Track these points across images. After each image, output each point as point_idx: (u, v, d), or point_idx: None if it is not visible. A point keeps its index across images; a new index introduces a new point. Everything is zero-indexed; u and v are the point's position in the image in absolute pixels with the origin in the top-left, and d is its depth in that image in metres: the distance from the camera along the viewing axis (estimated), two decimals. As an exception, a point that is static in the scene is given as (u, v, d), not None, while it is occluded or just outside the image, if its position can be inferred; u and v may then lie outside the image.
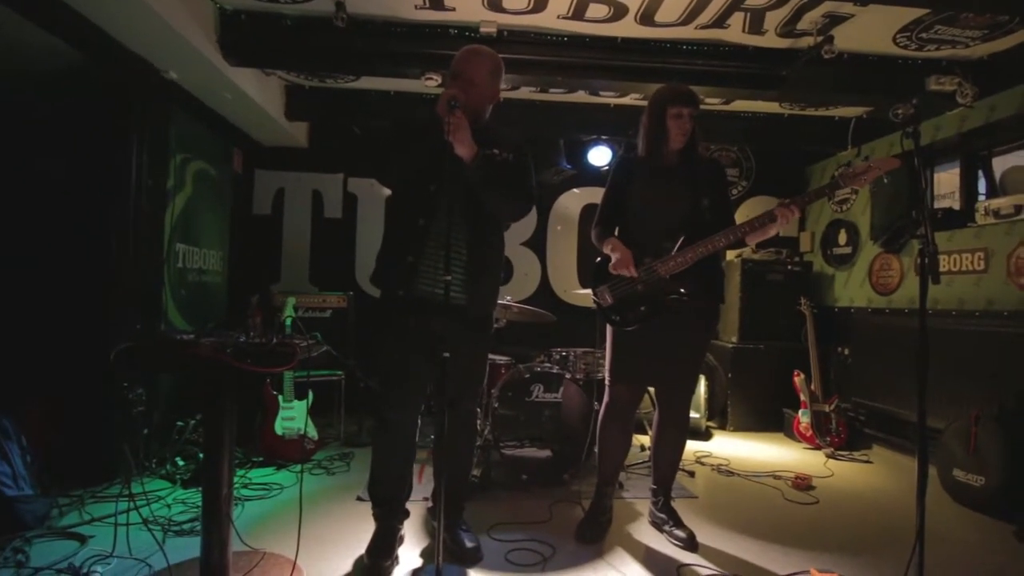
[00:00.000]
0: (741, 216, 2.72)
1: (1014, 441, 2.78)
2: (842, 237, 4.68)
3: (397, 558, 2.13)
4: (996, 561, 2.35)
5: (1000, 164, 3.81)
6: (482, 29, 3.17)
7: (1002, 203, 3.37)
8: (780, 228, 2.19)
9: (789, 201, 2.17)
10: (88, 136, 2.93)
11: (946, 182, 4.22)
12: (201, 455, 2.91)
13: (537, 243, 4.99)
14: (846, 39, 3.16)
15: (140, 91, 3.05)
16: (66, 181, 2.89)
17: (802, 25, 3.08)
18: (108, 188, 2.93)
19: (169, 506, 2.57)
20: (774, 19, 3.03)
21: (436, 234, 2.01)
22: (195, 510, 2.49)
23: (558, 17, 3.11)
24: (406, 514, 2.23)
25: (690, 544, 2.34)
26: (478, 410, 2.51)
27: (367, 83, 4.11)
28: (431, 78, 3.41)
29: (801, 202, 2.19)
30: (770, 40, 3.26)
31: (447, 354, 1.73)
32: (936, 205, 4.15)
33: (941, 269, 3.63)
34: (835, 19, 3.00)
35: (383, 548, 2.09)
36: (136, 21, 2.59)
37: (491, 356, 3.28)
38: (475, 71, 2.09)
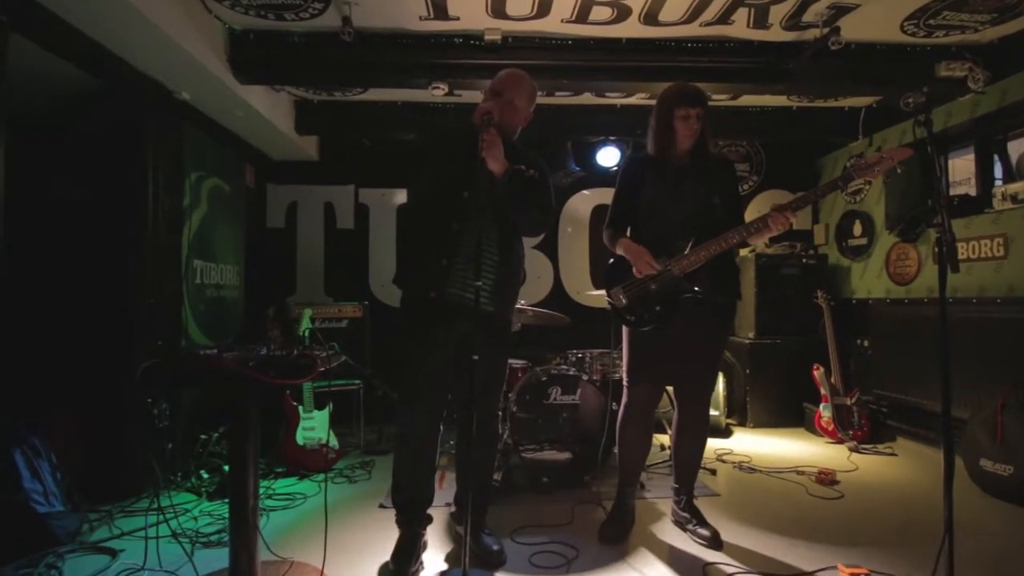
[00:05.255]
0: (753, 211, 2.71)
1: (1042, 429, 2.73)
2: (857, 228, 4.64)
3: (422, 564, 2.14)
4: (1028, 552, 2.31)
5: (1016, 148, 3.75)
6: (487, 37, 3.20)
7: (1019, 187, 3.32)
8: (777, 232, 2.17)
9: (784, 206, 2.15)
10: (105, 158, 3.00)
11: (961, 168, 4.17)
12: (226, 467, 2.95)
13: (549, 246, 5.00)
14: (852, 29, 3.14)
15: (154, 113, 3.12)
16: (86, 203, 2.96)
17: (807, 17, 3.06)
18: (126, 208, 3.00)
19: (196, 518, 2.61)
20: (779, 13, 3.02)
21: (468, 239, 2.05)
22: (222, 521, 2.52)
23: (562, 21, 3.12)
24: (429, 520, 2.24)
25: (714, 543, 2.33)
26: (499, 414, 2.52)
27: (375, 95, 4.15)
28: (438, 87, 3.44)
29: (795, 207, 2.16)
30: (775, 34, 3.25)
31: (476, 356, 1.77)
32: (951, 192, 4.10)
33: (960, 256, 3.61)
34: (841, 9, 2.98)
35: (407, 554, 2.10)
36: (149, 45, 2.65)
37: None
38: (517, 95, 2.19)
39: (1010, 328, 3.21)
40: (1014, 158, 3.76)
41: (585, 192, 5.05)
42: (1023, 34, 3.20)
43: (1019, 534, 2.49)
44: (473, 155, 1.96)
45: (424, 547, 2.22)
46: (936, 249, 1.66)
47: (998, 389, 2.98)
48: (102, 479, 2.79)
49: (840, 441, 3.93)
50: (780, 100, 4.27)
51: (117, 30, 2.50)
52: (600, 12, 3.02)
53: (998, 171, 3.84)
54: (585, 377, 3.10)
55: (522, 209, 2.11)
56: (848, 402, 3.99)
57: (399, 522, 2.18)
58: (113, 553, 2.27)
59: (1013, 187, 3.36)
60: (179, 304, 3.18)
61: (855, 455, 3.68)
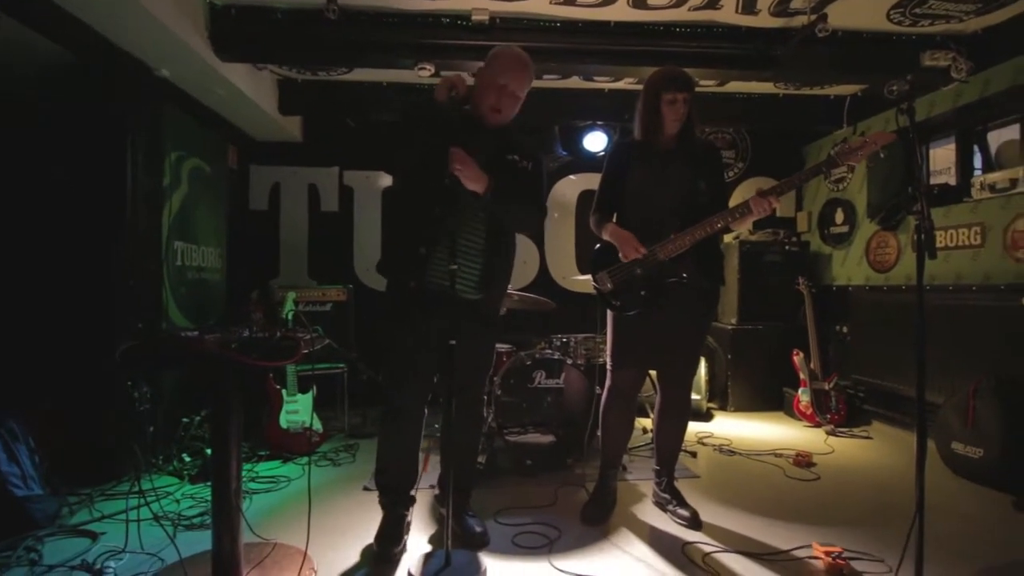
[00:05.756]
0: (738, 197, 2.72)
1: (1012, 413, 2.81)
2: (839, 216, 4.69)
3: (405, 545, 2.16)
4: (996, 532, 2.38)
5: (996, 138, 3.81)
6: (474, 17, 3.15)
7: (998, 177, 3.38)
8: (759, 216, 2.18)
9: (767, 191, 2.17)
10: (81, 137, 2.91)
11: (942, 158, 4.22)
12: (208, 451, 2.94)
13: (535, 231, 4.99)
14: (840, 17, 3.15)
15: (132, 90, 3.04)
16: (61, 183, 2.89)
17: (795, 4, 3.06)
18: (104, 189, 2.93)
19: (178, 501, 2.59)
20: (767, -2, 3.02)
21: (450, 227, 1.97)
22: (204, 504, 2.52)
23: (550, 2, 3.09)
24: (412, 501, 2.25)
25: (694, 523, 2.38)
26: (484, 398, 2.53)
27: (360, 75, 4.09)
28: (424, 68, 3.39)
29: (778, 192, 2.17)
30: (763, 20, 3.25)
31: (453, 341, 1.76)
32: (932, 181, 4.15)
33: (938, 244, 3.69)
34: (828, -3, 2.99)
35: (391, 535, 2.12)
36: (126, 19, 2.57)
37: (493, 344, 3.31)
38: (520, 86, 2.07)
39: (985, 315, 3.29)
40: (994, 148, 3.82)
41: (572, 177, 5.05)
42: (1007, 25, 3.24)
43: (988, 514, 2.57)
44: (454, 136, 1.91)
45: (408, 529, 2.23)
46: (915, 237, 1.68)
47: (971, 374, 3.06)
48: (82, 463, 2.76)
49: (818, 425, 4.02)
50: (767, 87, 4.28)
51: (94, 3, 2.43)
52: (588, -6, 3.00)
53: (978, 161, 3.90)
54: (570, 361, 3.12)
55: (512, 215, 2.09)
56: (826, 387, 4.07)
57: (383, 503, 2.19)
58: (94, 536, 2.25)
59: (991, 177, 3.42)
60: (159, 286, 3.13)
61: (832, 438, 3.76)
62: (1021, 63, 3.26)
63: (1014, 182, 3.27)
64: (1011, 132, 3.64)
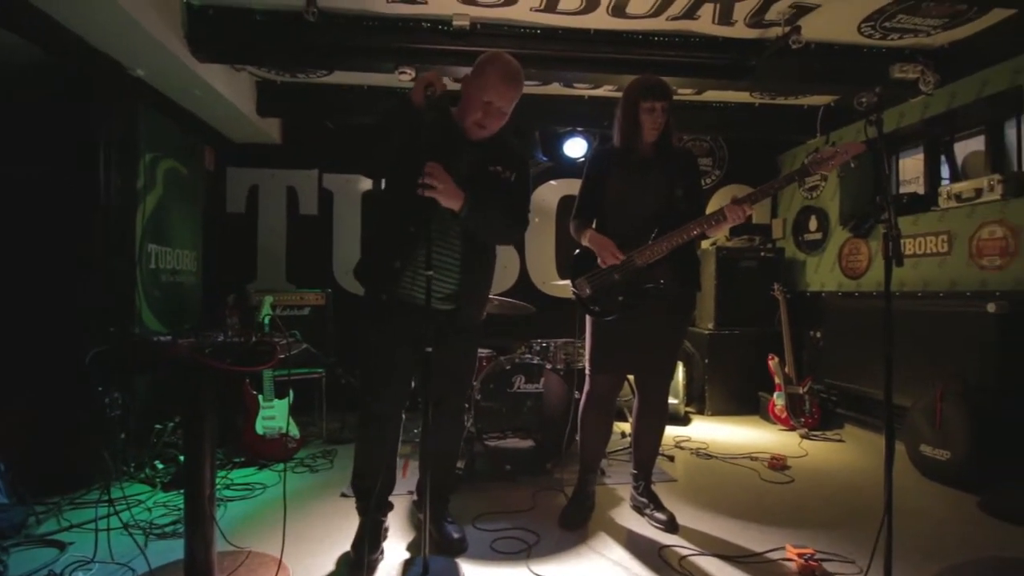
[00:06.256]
0: (715, 205, 2.76)
1: (977, 416, 2.89)
2: (813, 223, 4.79)
3: (383, 551, 2.14)
4: (961, 531, 2.45)
5: (962, 149, 3.93)
6: (455, 22, 3.17)
7: (963, 187, 3.48)
8: (734, 223, 2.22)
9: (741, 199, 2.21)
10: (53, 136, 2.85)
11: (911, 167, 4.34)
12: (181, 458, 2.89)
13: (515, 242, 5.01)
14: (813, 29, 3.23)
15: (106, 89, 2.98)
16: (31, 184, 2.82)
17: (770, 16, 3.13)
18: (76, 190, 2.87)
19: (150, 509, 2.54)
20: (743, 10, 3.08)
21: (427, 239, 1.87)
22: (177, 512, 2.47)
23: (531, 9, 3.11)
24: (390, 507, 2.23)
25: (670, 526, 2.40)
26: (466, 405, 2.52)
27: (340, 78, 4.07)
28: (405, 72, 3.40)
29: (752, 199, 2.22)
30: (739, 31, 3.31)
31: (430, 349, 1.74)
32: (902, 190, 4.27)
33: (907, 252, 3.79)
34: (802, 9, 3.06)
35: (368, 542, 2.09)
36: (99, 17, 2.53)
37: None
38: (508, 103, 2.00)
39: (952, 321, 3.38)
40: (960, 159, 3.94)
41: (552, 183, 5.07)
42: (972, 40, 3.35)
43: (954, 514, 2.64)
44: (435, 146, 1.86)
45: (385, 535, 2.22)
46: (884, 245, 1.73)
47: (939, 378, 3.14)
48: (51, 471, 2.69)
49: (792, 428, 4.09)
50: (743, 96, 4.36)
51: (67, 0, 2.38)
52: (569, 2, 3.03)
53: (946, 171, 4.02)
54: (549, 366, 3.13)
55: (488, 231, 2.06)
56: (800, 391, 4.14)
57: (360, 509, 2.17)
58: (62, 546, 2.19)
59: (958, 187, 3.52)
60: (132, 289, 3.06)
61: (806, 441, 3.83)
62: (986, 76, 3.38)
63: (979, 192, 3.37)
64: (976, 143, 3.76)
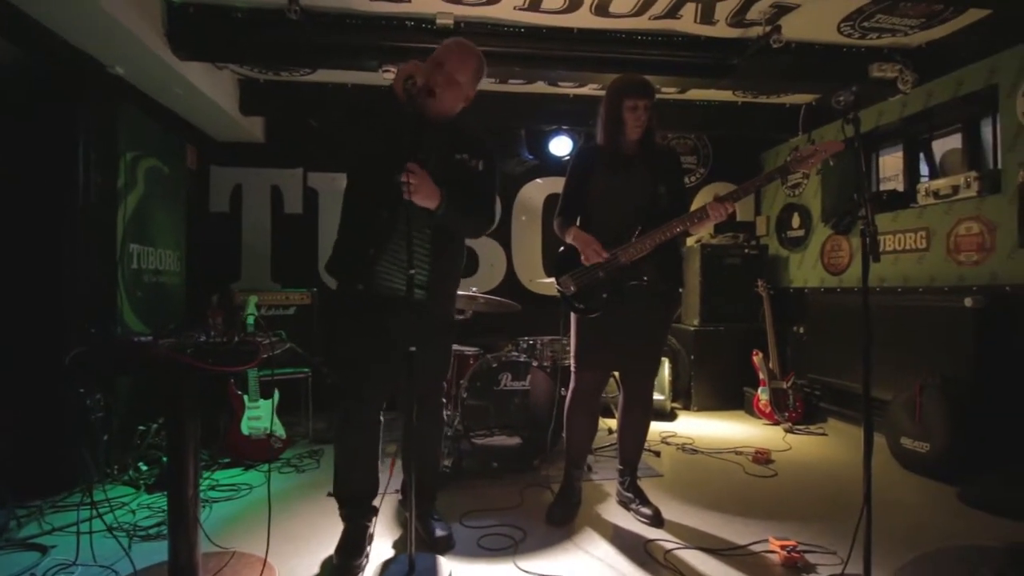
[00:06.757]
0: (699, 202, 2.79)
1: (956, 409, 2.95)
2: (795, 220, 4.85)
3: (367, 556, 2.10)
4: (941, 521, 2.50)
5: (940, 147, 4.00)
6: (439, 21, 3.16)
7: (941, 184, 3.54)
8: (717, 221, 2.25)
9: (723, 197, 2.24)
10: (31, 135, 2.81)
11: (891, 165, 4.41)
12: (165, 459, 2.86)
13: (502, 234, 5.01)
14: (793, 29, 3.27)
15: (85, 87, 2.94)
16: (9, 183, 2.77)
17: (751, 15, 3.16)
18: (55, 190, 2.82)
19: (134, 512, 2.52)
20: (724, 9, 3.11)
21: (399, 227, 1.93)
22: (161, 514, 2.45)
23: (514, 8, 3.12)
24: (374, 511, 2.18)
25: (656, 520, 2.42)
26: (444, 401, 2.52)
27: (323, 76, 4.05)
28: (388, 70, 3.39)
29: (734, 197, 2.25)
30: (721, 30, 3.35)
31: (413, 348, 1.74)
32: (882, 187, 4.33)
33: (887, 248, 3.85)
34: (782, 9, 3.10)
35: (352, 547, 2.06)
36: (77, 14, 2.50)
37: (459, 347, 3.31)
38: (460, 69, 1.99)
39: (931, 316, 3.44)
40: (938, 156, 4.01)
41: (538, 181, 5.08)
42: (948, 39, 3.41)
43: (933, 506, 2.69)
44: (405, 133, 1.86)
45: (370, 540, 2.18)
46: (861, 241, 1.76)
47: (919, 372, 3.20)
48: (32, 474, 2.65)
49: (776, 423, 4.14)
50: (726, 95, 4.40)
51: (43, -3, 2.35)
52: (552, 1, 3.04)
53: (925, 168, 4.09)
54: (535, 363, 3.14)
55: (460, 226, 2.09)
56: (784, 386, 4.20)
57: (343, 516, 2.14)
58: (43, 549, 2.16)
59: (936, 184, 3.58)
60: (113, 289, 3.03)
61: (789, 435, 3.89)
62: (962, 76, 3.44)
63: (956, 189, 3.44)
64: (954, 141, 3.83)
